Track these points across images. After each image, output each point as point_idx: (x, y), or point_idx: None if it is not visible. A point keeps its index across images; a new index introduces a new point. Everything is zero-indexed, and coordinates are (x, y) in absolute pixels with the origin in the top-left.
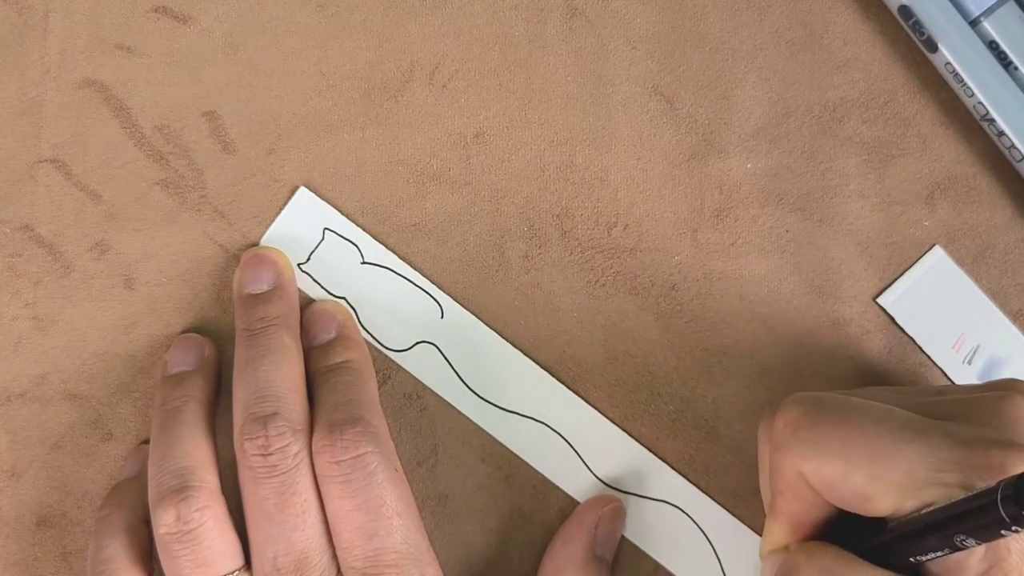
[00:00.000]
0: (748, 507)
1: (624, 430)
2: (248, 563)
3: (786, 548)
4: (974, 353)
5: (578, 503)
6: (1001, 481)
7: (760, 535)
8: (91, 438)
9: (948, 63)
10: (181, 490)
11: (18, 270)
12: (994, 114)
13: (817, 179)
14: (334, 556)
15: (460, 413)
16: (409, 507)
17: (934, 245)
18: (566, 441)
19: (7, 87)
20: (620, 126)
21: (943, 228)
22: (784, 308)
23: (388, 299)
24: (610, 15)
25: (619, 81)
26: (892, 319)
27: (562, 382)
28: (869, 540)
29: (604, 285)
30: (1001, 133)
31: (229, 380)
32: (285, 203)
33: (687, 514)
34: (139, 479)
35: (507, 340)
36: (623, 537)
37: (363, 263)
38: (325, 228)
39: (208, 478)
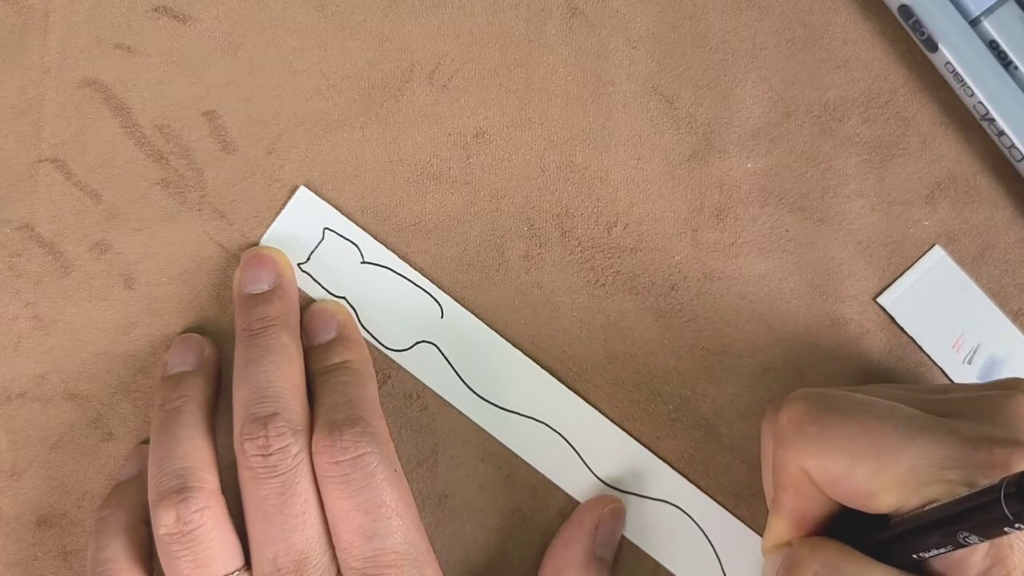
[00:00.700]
0: (748, 507)
1: (624, 430)
2: (248, 563)
3: (789, 544)
4: (974, 353)
5: (578, 503)
6: (1004, 478)
7: (760, 535)
8: (91, 438)
9: (948, 63)
10: (181, 491)
11: (18, 270)
12: (994, 114)
13: (817, 179)
14: (334, 556)
15: (460, 413)
16: (409, 507)
17: (934, 245)
18: (566, 441)
19: (7, 87)
20: (620, 126)
21: (943, 228)
22: (784, 308)
23: (388, 299)
24: (610, 15)
25: (619, 81)
26: (892, 319)
27: (562, 382)
28: (872, 537)
29: (604, 285)
30: (1001, 133)
31: (229, 380)
32: (285, 203)
33: (687, 514)
34: (139, 479)
35: (507, 340)
36: (623, 537)
37: (363, 263)
38: (325, 228)
39: (208, 478)
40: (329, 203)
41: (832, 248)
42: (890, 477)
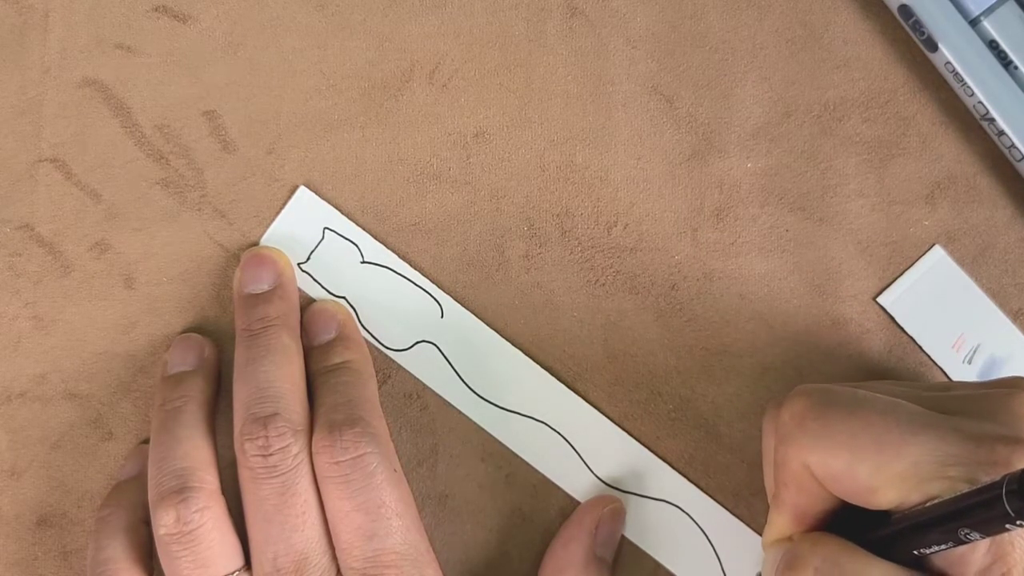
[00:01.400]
0: (748, 506)
1: (624, 429)
2: (248, 563)
3: (789, 539)
4: (974, 352)
5: (578, 503)
6: (1007, 475)
7: (760, 534)
8: (91, 438)
9: (948, 62)
10: (181, 491)
11: (18, 269)
12: (994, 113)
13: (817, 178)
14: (334, 557)
15: (460, 412)
16: (408, 508)
17: (934, 244)
18: (566, 440)
19: (7, 87)
20: (620, 125)
21: (943, 227)
22: (784, 307)
23: (388, 298)
24: (610, 14)
25: (619, 80)
26: (892, 318)
27: (562, 381)
28: (873, 533)
29: (604, 284)
30: (1001, 132)
31: (229, 380)
32: (285, 202)
33: (687, 514)
34: (139, 479)
35: (507, 339)
36: (623, 537)
37: (363, 262)
38: (325, 227)
39: (208, 479)
40: (329, 203)
41: (832, 248)
42: (892, 473)
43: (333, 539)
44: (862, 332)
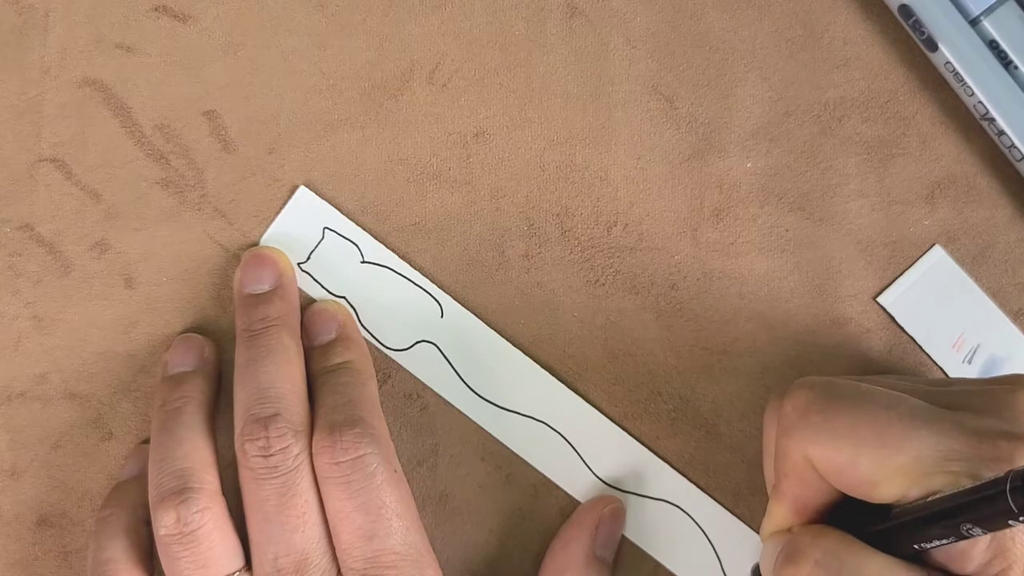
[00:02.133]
0: (748, 506)
1: (624, 429)
2: (248, 564)
3: (788, 531)
4: (974, 352)
5: (578, 503)
6: (1011, 471)
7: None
8: (91, 437)
9: (948, 62)
10: (181, 491)
11: (18, 269)
12: (994, 113)
13: (817, 178)
14: (334, 557)
15: (460, 412)
16: (409, 508)
17: (934, 244)
18: (566, 440)
19: (7, 87)
20: (620, 125)
21: (943, 227)
22: (784, 307)
23: (388, 298)
24: (610, 14)
25: (619, 80)
26: (892, 318)
27: (562, 381)
28: (873, 526)
29: (604, 284)
30: (1001, 132)
31: (229, 380)
32: (285, 202)
33: (687, 513)
34: (139, 480)
35: (507, 339)
36: (623, 537)
37: (363, 262)
38: (325, 227)
39: (208, 479)
40: (329, 203)
41: (832, 248)
42: (893, 467)
43: (333, 539)
44: (862, 332)
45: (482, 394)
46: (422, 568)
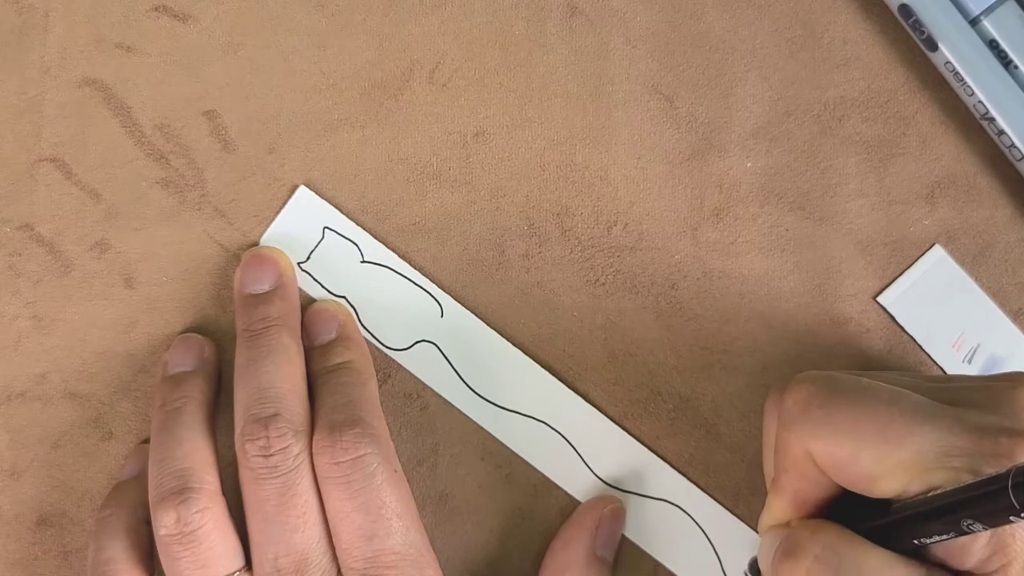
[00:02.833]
0: (748, 506)
1: (624, 429)
2: (249, 564)
3: (787, 524)
4: (974, 352)
5: (578, 502)
6: (1013, 468)
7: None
8: (91, 437)
9: (948, 62)
10: (181, 492)
11: (18, 269)
12: (994, 113)
13: (817, 178)
14: (334, 557)
15: (460, 412)
16: (409, 508)
17: (934, 244)
18: (566, 440)
19: (7, 87)
20: (620, 125)
21: (943, 227)
22: (784, 307)
23: (388, 298)
24: (610, 14)
25: (619, 80)
26: (892, 318)
27: (562, 381)
28: (873, 521)
29: (604, 284)
30: (1001, 132)
31: (229, 380)
32: (285, 202)
33: (687, 513)
34: (139, 480)
35: (507, 339)
36: (623, 536)
37: (363, 262)
38: (325, 227)
39: (208, 479)
40: (329, 202)
41: (832, 247)
42: (894, 462)
43: (333, 539)
44: (862, 331)
45: (482, 394)
46: (422, 568)
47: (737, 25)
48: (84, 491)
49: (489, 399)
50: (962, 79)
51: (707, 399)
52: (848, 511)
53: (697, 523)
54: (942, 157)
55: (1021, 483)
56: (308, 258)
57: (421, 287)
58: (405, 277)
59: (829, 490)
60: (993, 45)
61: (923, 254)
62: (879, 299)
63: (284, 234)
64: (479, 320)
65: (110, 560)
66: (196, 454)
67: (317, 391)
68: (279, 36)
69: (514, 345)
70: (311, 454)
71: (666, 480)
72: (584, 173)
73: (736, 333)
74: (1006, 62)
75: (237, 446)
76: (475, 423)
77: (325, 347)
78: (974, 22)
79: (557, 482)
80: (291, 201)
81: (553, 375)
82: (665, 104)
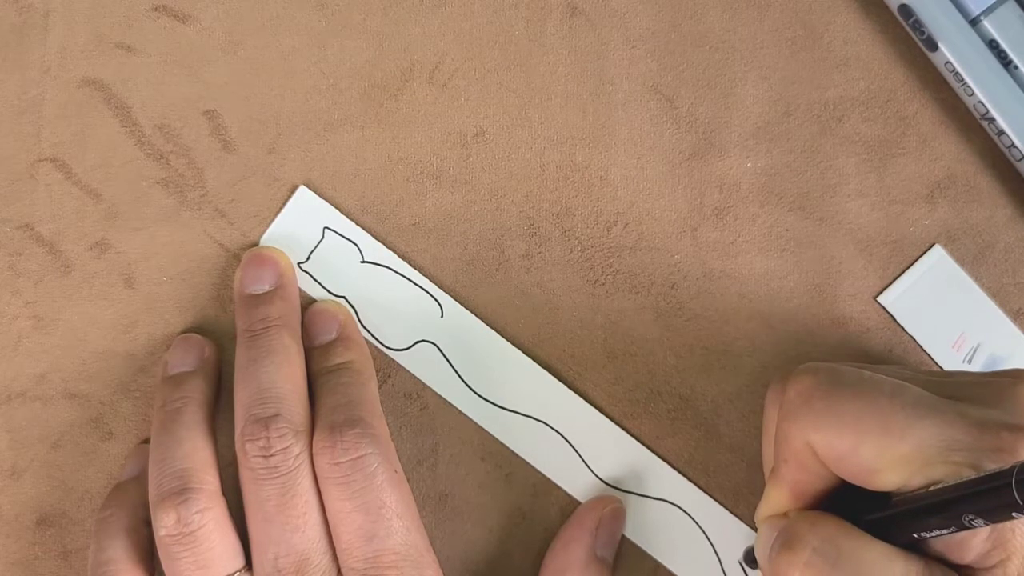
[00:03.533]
0: (748, 505)
1: (624, 429)
2: (249, 564)
3: (784, 515)
4: (974, 352)
5: (578, 502)
6: (1016, 464)
7: None
8: (91, 437)
9: (948, 62)
10: (181, 492)
11: (18, 269)
12: (994, 113)
13: (817, 178)
14: (334, 557)
15: (460, 412)
16: (409, 508)
17: (934, 244)
18: (566, 440)
19: (7, 86)
20: (620, 125)
21: (943, 227)
22: (784, 307)
23: (388, 298)
24: (610, 14)
25: (619, 80)
26: (892, 318)
27: (562, 381)
28: (872, 514)
29: (604, 284)
30: (1001, 132)
31: (229, 380)
32: (285, 202)
33: (687, 513)
34: (140, 480)
35: (507, 339)
36: (623, 536)
37: (363, 262)
38: (325, 227)
39: (208, 479)
40: (329, 202)
41: (832, 247)
42: (895, 455)
43: (334, 540)
44: (862, 331)
45: (482, 394)
46: (422, 568)
47: (737, 25)
48: (84, 491)
49: (489, 399)
50: (962, 79)
51: (707, 399)
52: (847, 503)
53: (697, 523)
54: (942, 157)
55: None
56: (308, 258)
57: (421, 287)
58: (405, 277)
59: (828, 482)
60: (993, 45)
61: (923, 254)
62: (879, 299)
63: (284, 234)
64: (479, 320)
65: (110, 560)
66: (196, 454)
67: (317, 391)
68: (279, 36)
69: (514, 345)
70: (311, 454)
71: (666, 480)
72: (584, 173)
73: (736, 333)
74: (1006, 62)
75: (237, 446)
76: (475, 423)
77: (325, 347)
78: (974, 22)
79: (557, 482)
80: (291, 201)
81: (553, 375)
82: (665, 104)
